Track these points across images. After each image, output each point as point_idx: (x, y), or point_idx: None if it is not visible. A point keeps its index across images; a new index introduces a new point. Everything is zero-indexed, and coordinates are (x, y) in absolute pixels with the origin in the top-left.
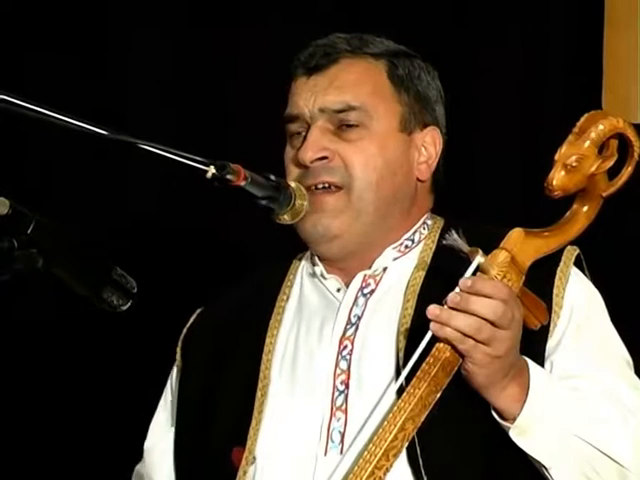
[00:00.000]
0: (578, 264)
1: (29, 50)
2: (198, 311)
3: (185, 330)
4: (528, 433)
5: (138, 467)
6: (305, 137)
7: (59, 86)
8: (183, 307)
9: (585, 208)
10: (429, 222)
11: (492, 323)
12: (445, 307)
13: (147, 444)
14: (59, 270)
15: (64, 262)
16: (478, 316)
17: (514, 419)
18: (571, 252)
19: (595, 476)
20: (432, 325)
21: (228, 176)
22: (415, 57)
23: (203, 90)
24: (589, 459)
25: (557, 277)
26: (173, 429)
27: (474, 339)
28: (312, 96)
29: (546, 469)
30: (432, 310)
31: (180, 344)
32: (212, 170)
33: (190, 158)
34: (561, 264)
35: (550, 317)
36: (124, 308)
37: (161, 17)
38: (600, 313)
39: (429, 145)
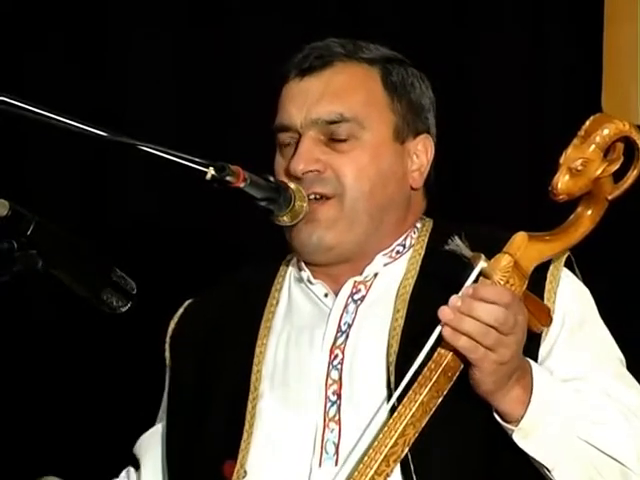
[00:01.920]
0: (569, 264)
1: (29, 50)
2: (186, 304)
3: (173, 325)
4: (531, 435)
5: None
6: (296, 147)
7: (59, 86)
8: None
9: (590, 211)
10: (418, 225)
11: (494, 329)
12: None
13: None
14: (59, 271)
15: (64, 263)
16: (480, 322)
17: (517, 421)
18: None
19: (598, 477)
20: (445, 331)
21: (227, 177)
22: (409, 65)
23: (203, 90)
24: (592, 460)
25: (547, 280)
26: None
27: (480, 344)
28: (304, 105)
29: (549, 471)
30: (444, 312)
31: (168, 340)
32: (211, 171)
33: (189, 159)
34: (551, 267)
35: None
36: (123, 310)
37: (161, 17)
38: (592, 314)
39: (421, 153)
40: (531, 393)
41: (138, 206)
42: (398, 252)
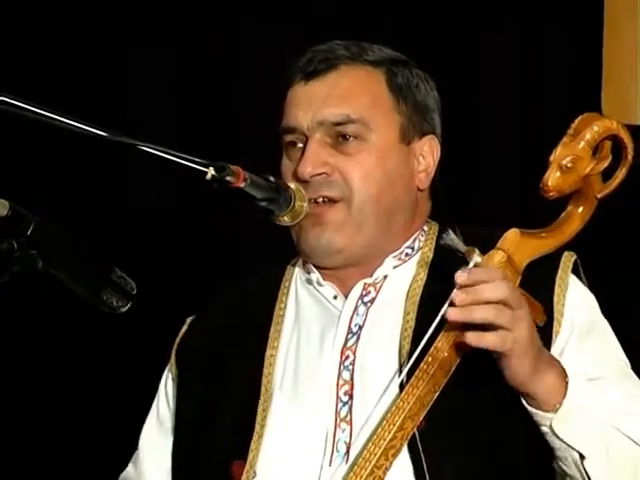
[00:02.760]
0: (575, 270)
1: (29, 50)
2: (189, 320)
3: (178, 340)
4: (570, 422)
5: (124, 474)
6: (303, 150)
7: (59, 86)
8: (183, 308)
9: (580, 209)
10: (425, 228)
11: (504, 305)
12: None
13: (137, 452)
14: (59, 271)
15: (63, 263)
16: (490, 302)
17: (554, 409)
18: (569, 258)
19: (631, 468)
20: (469, 338)
21: (227, 177)
22: (413, 66)
23: (203, 90)
24: (628, 451)
25: (556, 284)
26: (164, 438)
27: (496, 325)
28: (310, 108)
29: (582, 458)
30: (451, 313)
31: (174, 354)
32: (211, 171)
33: (189, 159)
34: (559, 271)
35: (552, 324)
36: (123, 310)
37: (161, 17)
38: (600, 320)
39: (427, 154)
40: (566, 381)
41: (138, 206)
42: (407, 254)
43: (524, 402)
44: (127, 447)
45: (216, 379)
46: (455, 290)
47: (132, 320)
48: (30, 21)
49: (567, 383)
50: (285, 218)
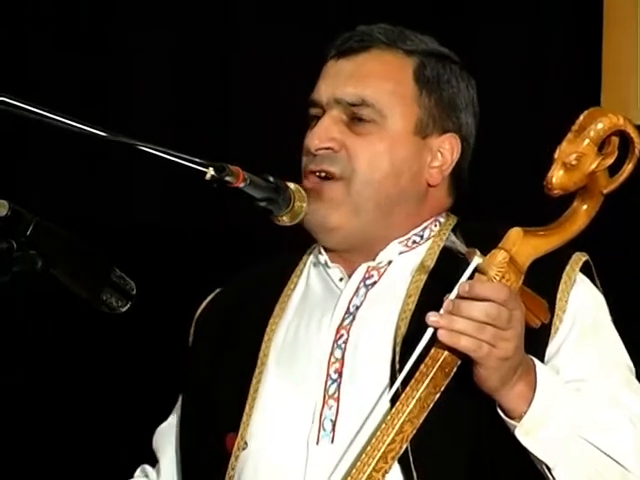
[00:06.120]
0: (588, 272)
1: (29, 50)
2: (216, 291)
3: (200, 310)
4: (534, 432)
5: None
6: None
7: (59, 86)
8: (183, 308)
9: (585, 206)
10: (441, 220)
11: (489, 325)
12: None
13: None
14: (58, 272)
15: (63, 264)
16: (473, 320)
17: (520, 418)
18: (579, 257)
19: (598, 478)
20: (444, 335)
21: (227, 178)
22: (453, 62)
23: (203, 90)
24: (593, 461)
25: (562, 281)
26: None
27: (480, 340)
28: (333, 84)
29: (549, 469)
30: (431, 318)
31: (194, 322)
32: (211, 172)
33: (189, 160)
34: (567, 268)
35: (552, 320)
36: (123, 310)
37: (161, 17)
38: (605, 319)
39: (446, 151)
40: (535, 390)
41: (138, 206)
42: (415, 242)
43: (497, 406)
44: (126, 447)
45: (221, 351)
46: (448, 299)
47: (132, 320)
48: (31, 21)
49: (534, 395)
50: (284, 218)
